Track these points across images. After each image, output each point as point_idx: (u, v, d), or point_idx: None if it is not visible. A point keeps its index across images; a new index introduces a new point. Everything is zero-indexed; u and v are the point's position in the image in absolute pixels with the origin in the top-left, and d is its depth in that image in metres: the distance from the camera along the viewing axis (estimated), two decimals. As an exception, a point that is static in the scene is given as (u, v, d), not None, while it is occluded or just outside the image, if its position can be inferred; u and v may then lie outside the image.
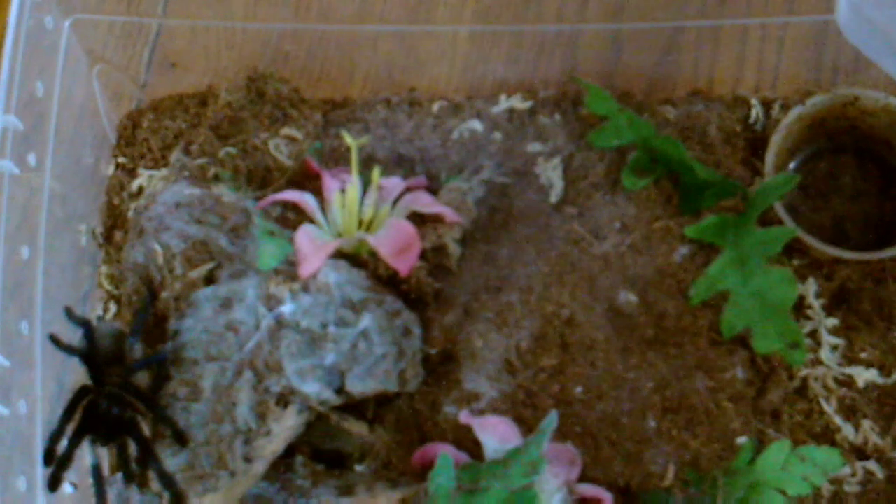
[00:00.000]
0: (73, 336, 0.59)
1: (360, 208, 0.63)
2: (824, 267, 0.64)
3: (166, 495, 0.54)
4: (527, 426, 0.58)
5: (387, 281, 0.61)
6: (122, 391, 0.56)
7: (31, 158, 0.61)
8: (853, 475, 0.59)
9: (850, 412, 0.60)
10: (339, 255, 0.61)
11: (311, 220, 0.63)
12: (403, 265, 0.60)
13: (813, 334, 0.62)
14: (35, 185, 0.62)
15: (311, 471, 0.59)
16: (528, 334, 0.61)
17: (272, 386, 0.57)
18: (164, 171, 0.68)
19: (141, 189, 0.70)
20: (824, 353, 0.61)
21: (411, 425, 0.60)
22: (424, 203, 0.63)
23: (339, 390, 0.58)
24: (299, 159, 0.67)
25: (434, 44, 0.72)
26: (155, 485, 0.56)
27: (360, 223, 0.63)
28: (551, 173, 0.67)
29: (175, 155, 0.67)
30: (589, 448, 0.58)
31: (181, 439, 0.55)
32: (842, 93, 0.66)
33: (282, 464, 0.58)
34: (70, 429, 0.54)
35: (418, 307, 0.62)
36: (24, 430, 0.58)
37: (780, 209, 0.63)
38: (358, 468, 0.59)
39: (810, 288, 0.63)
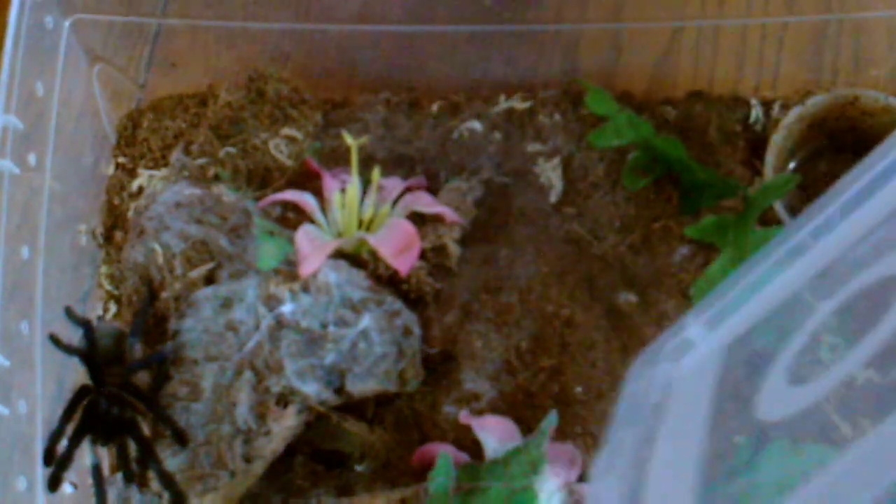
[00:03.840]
0: (73, 336, 0.59)
1: (360, 208, 0.63)
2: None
3: (166, 495, 0.54)
4: (527, 426, 0.58)
5: (387, 281, 0.61)
6: (122, 391, 0.56)
7: (31, 158, 0.61)
8: (853, 475, 0.59)
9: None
10: (339, 255, 0.61)
11: (311, 220, 0.63)
12: (403, 265, 0.60)
13: (813, 334, 0.62)
14: (35, 185, 0.62)
15: (310, 471, 0.59)
16: (527, 334, 0.61)
17: (272, 386, 0.57)
18: (164, 171, 0.68)
19: (141, 189, 0.69)
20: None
21: (411, 425, 0.60)
22: (424, 203, 0.63)
23: (339, 390, 0.58)
24: (299, 159, 0.67)
25: (434, 44, 0.72)
26: (155, 485, 0.56)
27: (360, 223, 0.63)
28: (551, 173, 0.67)
29: (175, 155, 0.67)
30: (589, 448, 0.58)
31: (181, 439, 0.55)
32: (842, 93, 0.66)
33: (282, 464, 0.58)
34: (70, 429, 0.54)
35: (418, 307, 0.62)
36: (24, 430, 0.58)
37: (780, 209, 0.63)
38: (358, 468, 0.59)
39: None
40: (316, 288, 0.59)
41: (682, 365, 0.45)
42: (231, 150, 0.67)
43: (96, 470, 0.55)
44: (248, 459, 0.56)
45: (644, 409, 0.44)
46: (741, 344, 0.45)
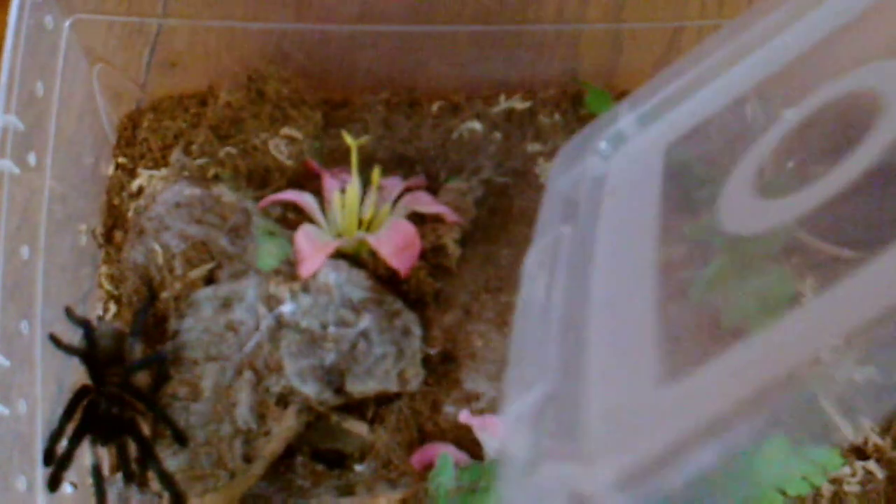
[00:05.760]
0: (73, 336, 0.59)
1: (360, 208, 0.63)
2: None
3: (166, 495, 0.54)
4: (527, 426, 0.58)
5: (387, 281, 0.61)
6: (122, 391, 0.56)
7: (31, 158, 0.61)
8: (853, 475, 0.59)
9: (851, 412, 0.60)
10: (339, 255, 0.61)
11: (311, 220, 0.63)
12: (403, 265, 0.60)
13: (812, 334, 0.62)
14: (35, 185, 0.62)
15: (311, 471, 0.59)
16: (527, 334, 0.61)
17: (272, 386, 0.57)
18: (164, 172, 0.68)
19: (141, 189, 0.69)
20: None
21: (411, 425, 0.60)
22: (424, 203, 0.63)
23: (339, 390, 0.58)
24: (299, 159, 0.67)
25: (434, 44, 0.72)
26: (155, 485, 0.56)
27: (360, 223, 0.63)
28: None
29: (175, 155, 0.67)
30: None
31: (181, 439, 0.55)
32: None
33: (282, 464, 0.58)
34: (70, 429, 0.54)
35: (418, 307, 0.62)
36: (24, 430, 0.58)
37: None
38: (358, 468, 0.59)
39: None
40: (316, 288, 0.59)
41: (616, 160, 0.40)
42: (231, 150, 0.66)
43: (96, 470, 0.55)
44: (248, 459, 0.56)
45: (573, 206, 0.39)
46: (683, 145, 0.39)
